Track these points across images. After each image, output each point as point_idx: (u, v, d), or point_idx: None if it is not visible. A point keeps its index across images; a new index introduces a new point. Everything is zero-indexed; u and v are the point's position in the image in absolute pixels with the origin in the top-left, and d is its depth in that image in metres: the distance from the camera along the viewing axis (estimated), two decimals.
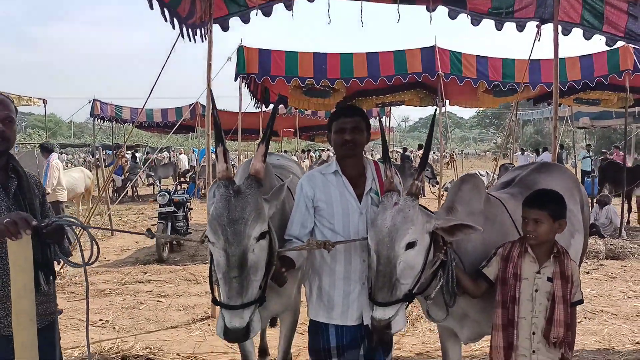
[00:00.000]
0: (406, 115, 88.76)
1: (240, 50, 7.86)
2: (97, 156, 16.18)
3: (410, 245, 2.19)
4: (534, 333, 2.45)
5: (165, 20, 4.23)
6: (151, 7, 3.85)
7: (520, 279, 2.46)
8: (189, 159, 23.27)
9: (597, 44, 5.32)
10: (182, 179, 17.94)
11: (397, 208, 2.22)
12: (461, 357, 3.04)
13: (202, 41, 5.17)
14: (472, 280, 2.53)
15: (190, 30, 4.84)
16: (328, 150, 33.38)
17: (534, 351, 2.45)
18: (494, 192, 3.19)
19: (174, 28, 4.48)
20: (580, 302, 2.53)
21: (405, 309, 2.27)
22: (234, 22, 5.35)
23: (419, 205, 2.31)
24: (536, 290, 2.45)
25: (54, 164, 8.75)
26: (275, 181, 2.85)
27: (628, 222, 11.50)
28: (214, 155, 2.74)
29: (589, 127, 17.69)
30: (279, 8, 5.02)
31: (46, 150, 9.03)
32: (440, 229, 2.30)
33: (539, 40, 5.98)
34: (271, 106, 10.87)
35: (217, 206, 2.12)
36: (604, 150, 20.53)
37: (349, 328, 2.57)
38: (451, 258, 2.42)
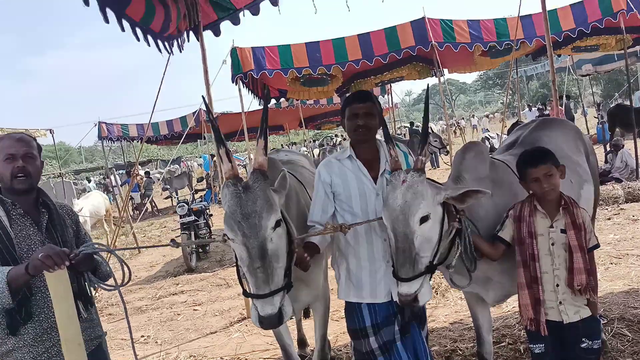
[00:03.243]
0: (409, 89, 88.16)
1: (234, 51, 7.94)
2: (111, 177, 16.46)
3: (424, 219, 2.26)
4: (557, 285, 2.51)
5: (138, 39, 4.21)
6: (122, 29, 3.85)
7: (536, 236, 2.53)
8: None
9: None
10: (197, 188, 18.13)
11: (405, 185, 2.29)
12: (491, 319, 3.11)
13: (180, 52, 5.22)
14: (490, 244, 2.59)
15: (166, 42, 4.86)
16: (336, 135, 33.39)
17: (560, 302, 2.52)
18: (499, 155, 3.23)
19: (149, 45, 4.49)
20: (597, 246, 2.58)
21: (430, 279, 2.34)
22: (223, 25, 5.46)
23: (427, 178, 2.38)
24: (552, 244, 2.51)
25: None
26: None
27: None
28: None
29: (592, 74, 17.45)
30: (265, 5, 5.11)
31: None
32: (450, 198, 2.36)
33: None
34: (273, 101, 10.93)
35: (229, 204, 2.22)
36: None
37: (380, 306, 2.67)
38: (465, 225, 2.49)
